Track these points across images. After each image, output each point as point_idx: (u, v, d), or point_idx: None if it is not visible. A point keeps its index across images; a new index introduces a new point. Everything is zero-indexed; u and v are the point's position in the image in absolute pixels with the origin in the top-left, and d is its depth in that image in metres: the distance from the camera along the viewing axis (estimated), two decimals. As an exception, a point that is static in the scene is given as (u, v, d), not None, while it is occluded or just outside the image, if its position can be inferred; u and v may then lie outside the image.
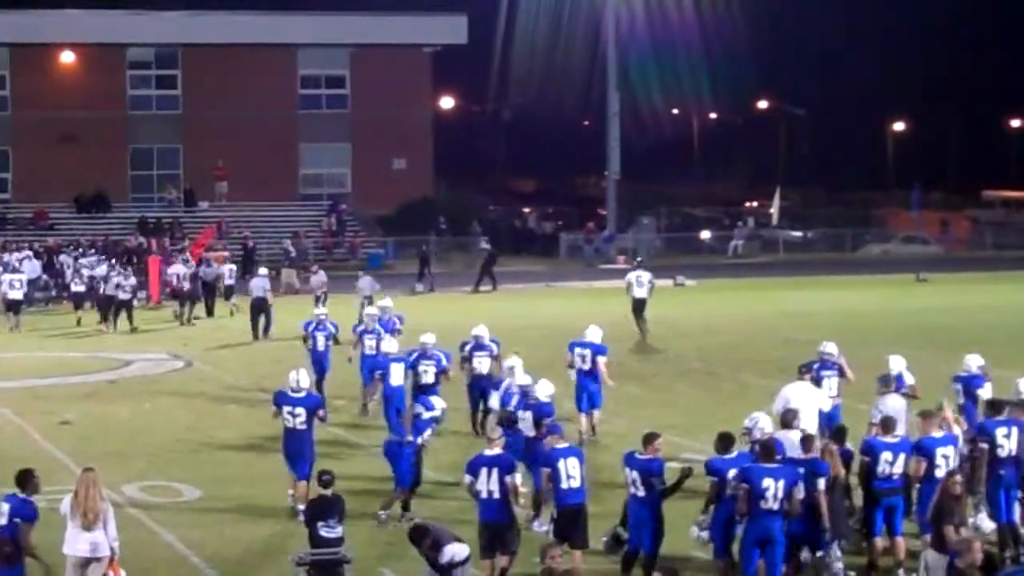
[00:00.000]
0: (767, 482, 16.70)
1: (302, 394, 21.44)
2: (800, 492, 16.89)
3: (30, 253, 53.49)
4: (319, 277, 44.97)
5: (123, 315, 43.51)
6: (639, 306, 39.75)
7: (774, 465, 16.93)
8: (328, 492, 16.93)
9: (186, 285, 46.15)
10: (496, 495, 17.50)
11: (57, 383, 33.45)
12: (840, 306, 49.74)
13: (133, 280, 44.66)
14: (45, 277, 52.81)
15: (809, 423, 20.08)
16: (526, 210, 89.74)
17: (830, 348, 24.45)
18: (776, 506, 16.74)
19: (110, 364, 36.35)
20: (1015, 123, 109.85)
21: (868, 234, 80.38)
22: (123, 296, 43.58)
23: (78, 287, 46.31)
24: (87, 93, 70.28)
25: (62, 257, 53.67)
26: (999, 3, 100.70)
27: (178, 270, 47.11)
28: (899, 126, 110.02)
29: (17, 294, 44.51)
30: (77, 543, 16.06)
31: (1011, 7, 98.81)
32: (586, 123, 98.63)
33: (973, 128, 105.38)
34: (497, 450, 17.88)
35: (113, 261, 49.43)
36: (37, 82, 70.26)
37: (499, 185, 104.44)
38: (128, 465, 23.98)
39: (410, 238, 65.66)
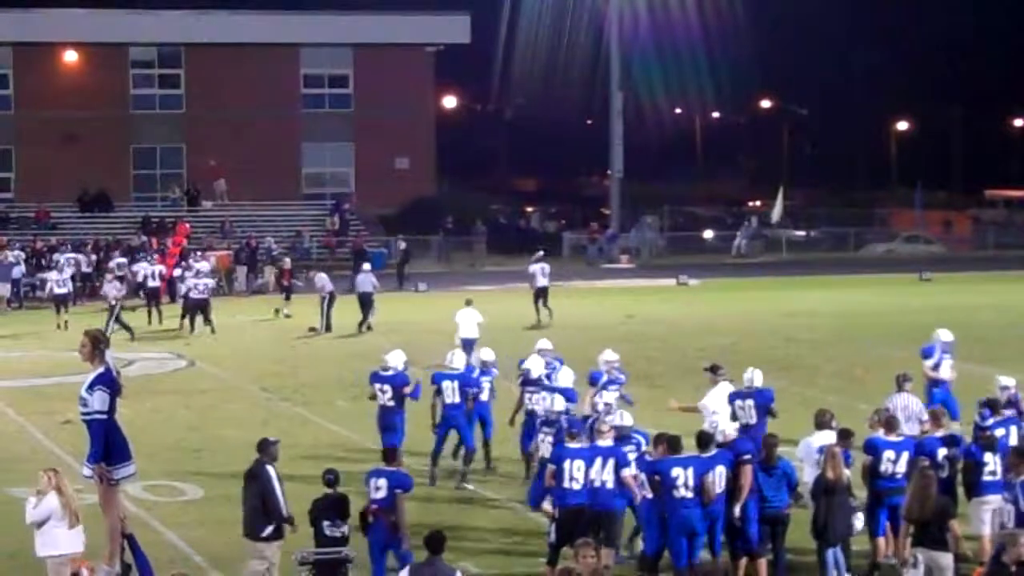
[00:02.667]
0: (676, 471, 17.32)
1: (390, 372, 23.33)
2: (719, 481, 17.43)
3: (19, 254, 53.41)
4: (321, 277, 44.16)
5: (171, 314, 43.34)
6: (542, 294, 44.46)
7: (684, 456, 17.55)
8: (333, 491, 16.89)
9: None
10: (609, 484, 17.71)
11: (59, 382, 33.38)
12: (843, 305, 49.75)
13: (209, 281, 43.91)
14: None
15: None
16: (529, 209, 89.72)
17: (1007, 382, 21.66)
18: (689, 495, 17.23)
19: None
20: (1018, 123, 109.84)
21: (871, 233, 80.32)
22: (196, 296, 42.70)
23: (61, 289, 45.15)
24: (90, 92, 70.26)
25: (55, 257, 53.21)
26: (1003, 3, 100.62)
27: (204, 267, 46.69)
28: (902, 125, 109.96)
29: None
30: (65, 542, 16.05)
31: (1015, 6, 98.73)
32: (589, 122, 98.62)
33: (976, 128, 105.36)
34: (610, 441, 18.17)
35: (189, 261, 48.33)
36: (40, 81, 70.27)
37: (502, 184, 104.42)
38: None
39: (413, 237, 65.62)
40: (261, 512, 16.66)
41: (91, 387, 14.47)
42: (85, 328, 15.94)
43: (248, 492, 17.04)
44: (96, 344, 14.58)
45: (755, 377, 21.78)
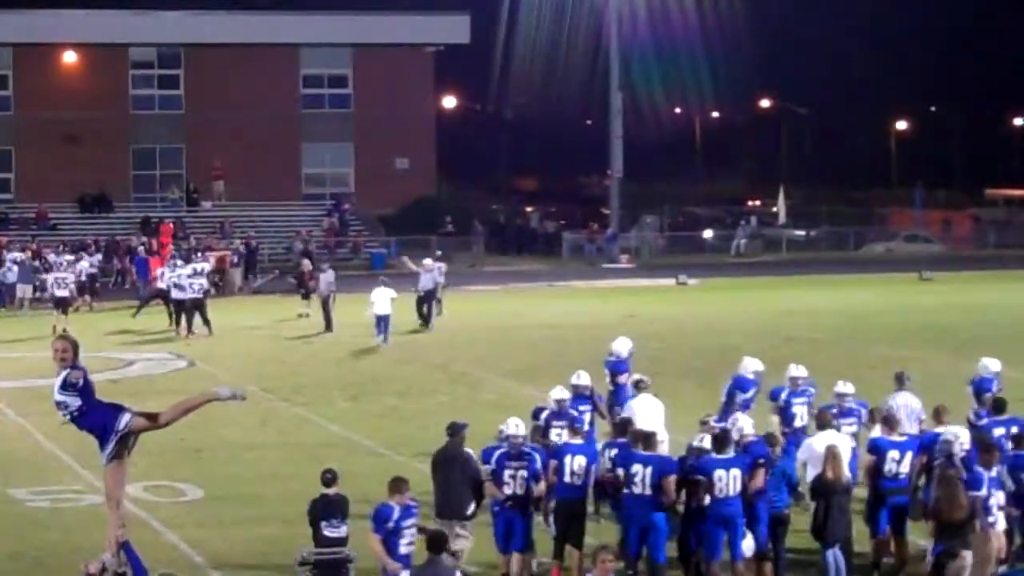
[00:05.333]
0: (636, 468, 17.40)
1: (612, 359, 24.08)
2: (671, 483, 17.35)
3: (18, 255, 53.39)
4: (327, 276, 44.06)
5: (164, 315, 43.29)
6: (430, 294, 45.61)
7: (647, 453, 17.56)
8: (331, 491, 16.87)
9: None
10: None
11: (60, 383, 33.30)
12: (843, 305, 49.71)
13: (203, 280, 43.16)
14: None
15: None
16: (528, 209, 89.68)
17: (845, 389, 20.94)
18: (647, 492, 17.26)
19: (113, 364, 36.28)
20: (1018, 122, 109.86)
21: (871, 233, 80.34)
22: (190, 295, 41.91)
23: (61, 292, 44.38)
24: (89, 93, 70.27)
25: (51, 258, 52.88)
26: (1003, 2, 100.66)
27: (204, 268, 46.38)
28: (902, 125, 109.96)
29: None
30: None
31: (1015, 6, 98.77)
32: (589, 122, 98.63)
33: (976, 127, 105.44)
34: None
35: (199, 260, 47.67)
36: (40, 82, 70.27)
37: (502, 184, 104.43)
38: (130, 464, 23.91)
39: (413, 237, 65.63)
40: (469, 492, 17.55)
41: (64, 388, 14.37)
42: (61, 334, 15.76)
43: (446, 475, 17.68)
44: (76, 349, 14.59)
45: (988, 365, 21.99)
